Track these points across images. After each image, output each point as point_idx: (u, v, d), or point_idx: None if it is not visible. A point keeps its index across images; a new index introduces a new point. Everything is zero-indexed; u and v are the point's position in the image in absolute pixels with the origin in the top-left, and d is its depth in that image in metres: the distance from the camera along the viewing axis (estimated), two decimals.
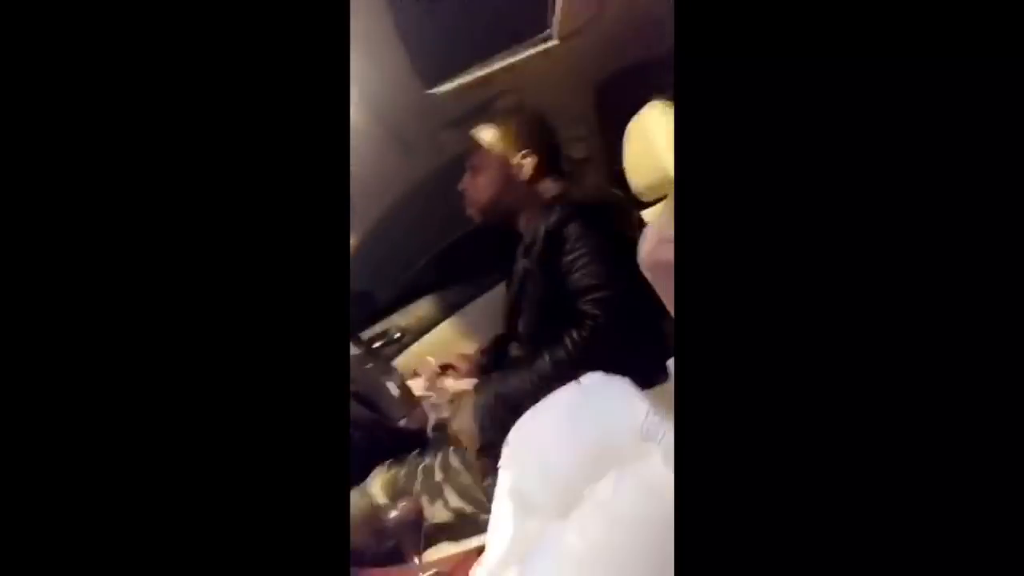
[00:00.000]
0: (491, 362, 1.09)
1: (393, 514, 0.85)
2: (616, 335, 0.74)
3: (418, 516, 0.85)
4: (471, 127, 1.08)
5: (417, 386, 1.10)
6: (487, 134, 1.01)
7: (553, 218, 0.89)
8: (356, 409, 0.98)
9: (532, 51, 1.00)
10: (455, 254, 1.26)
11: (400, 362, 1.20)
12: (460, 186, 1.02)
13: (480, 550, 0.70)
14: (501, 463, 0.64)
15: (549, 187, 0.99)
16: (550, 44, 1.00)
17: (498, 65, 1.00)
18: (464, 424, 0.85)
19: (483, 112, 1.06)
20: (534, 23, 0.97)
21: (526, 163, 0.99)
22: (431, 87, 0.99)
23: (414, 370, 1.16)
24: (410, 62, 0.93)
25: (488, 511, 0.83)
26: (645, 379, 0.73)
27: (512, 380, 0.80)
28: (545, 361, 0.78)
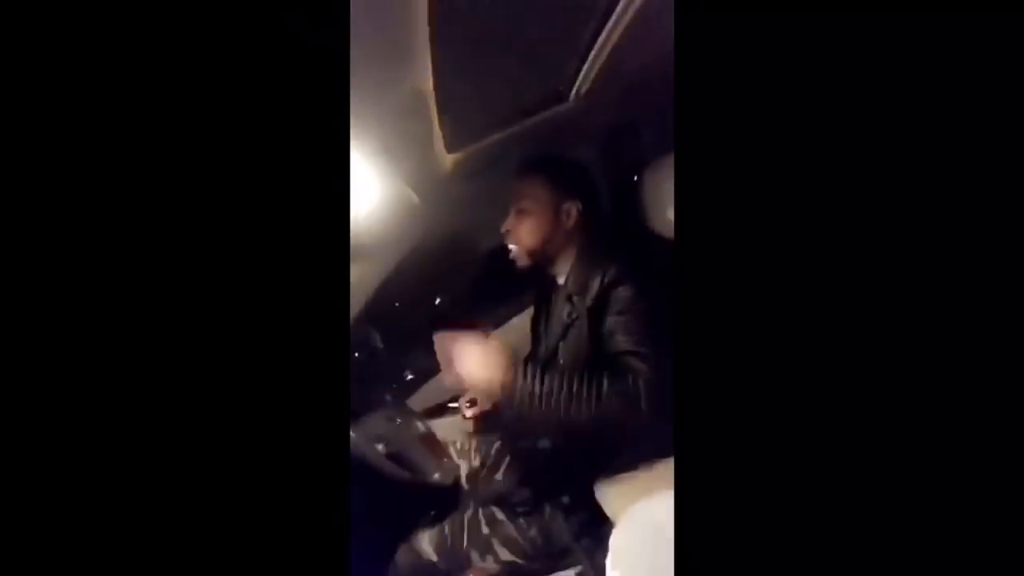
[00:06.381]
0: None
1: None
2: (658, 393, 0.78)
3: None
4: (486, 182, 1.10)
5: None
6: (536, 180, 1.04)
7: (607, 277, 0.93)
8: (391, 468, 1.03)
9: (547, 113, 1.02)
10: (467, 299, 1.30)
11: (415, 400, 1.25)
12: (504, 227, 1.05)
13: None
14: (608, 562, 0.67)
15: (590, 235, 1.04)
16: (565, 105, 1.02)
17: (515, 127, 1.01)
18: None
19: (498, 167, 1.07)
20: (548, 87, 0.98)
21: (572, 211, 1.03)
22: (452, 151, 0.99)
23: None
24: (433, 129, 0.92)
25: (531, 560, 0.91)
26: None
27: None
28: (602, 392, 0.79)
